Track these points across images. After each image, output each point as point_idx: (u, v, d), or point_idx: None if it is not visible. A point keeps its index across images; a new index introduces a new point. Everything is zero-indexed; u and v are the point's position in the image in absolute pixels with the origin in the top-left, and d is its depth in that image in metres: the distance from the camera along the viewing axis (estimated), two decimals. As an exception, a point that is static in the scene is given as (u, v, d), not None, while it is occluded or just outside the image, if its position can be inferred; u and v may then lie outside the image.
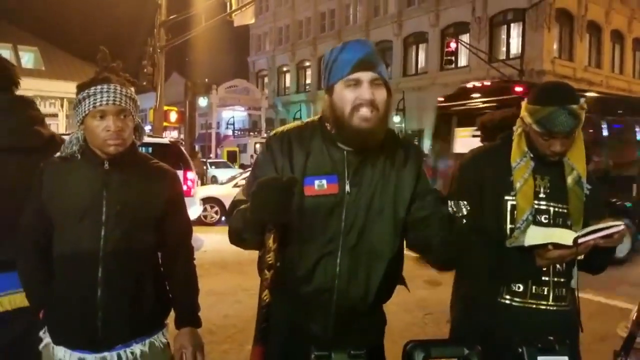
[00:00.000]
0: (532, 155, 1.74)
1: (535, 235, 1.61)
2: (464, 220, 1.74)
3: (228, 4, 15.78)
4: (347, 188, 1.51)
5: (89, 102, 1.65)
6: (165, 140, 9.32)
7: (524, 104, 1.74)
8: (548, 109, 1.63)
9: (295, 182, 1.35)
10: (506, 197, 1.73)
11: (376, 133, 1.48)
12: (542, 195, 1.73)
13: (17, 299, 1.90)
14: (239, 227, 1.45)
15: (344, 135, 1.50)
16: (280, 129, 1.63)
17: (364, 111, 1.45)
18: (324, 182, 1.49)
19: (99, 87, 1.66)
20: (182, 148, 9.85)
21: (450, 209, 1.75)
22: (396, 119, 29.35)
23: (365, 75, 1.47)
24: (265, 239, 1.34)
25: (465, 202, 1.75)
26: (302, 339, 1.51)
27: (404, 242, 1.60)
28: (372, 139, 1.49)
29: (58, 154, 1.75)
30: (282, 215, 1.32)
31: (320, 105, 1.58)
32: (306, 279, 1.51)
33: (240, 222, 1.45)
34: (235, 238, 1.51)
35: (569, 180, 1.73)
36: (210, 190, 12.74)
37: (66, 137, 1.84)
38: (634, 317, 2.06)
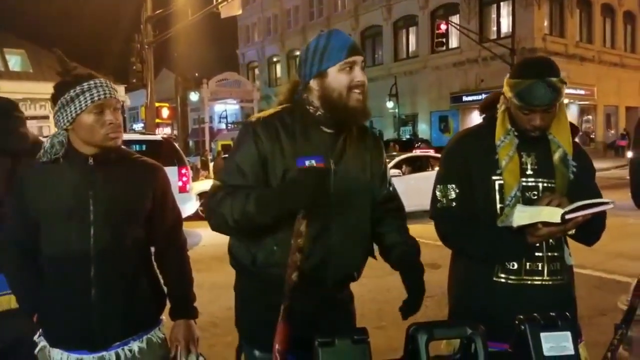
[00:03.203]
0: (516, 133, 1.73)
1: (522, 216, 1.61)
2: (453, 204, 1.76)
3: (214, -5, 15.65)
4: (333, 166, 1.62)
5: (86, 98, 1.62)
6: (158, 137, 9.27)
7: (505, 79, 1.74)
8: (527, 81, 1.63)
9: (330, 171, 1.53)
10: (493, 177, 1.73)
11: (365, 111, 1.63)
12: (529, 172, 1.73)
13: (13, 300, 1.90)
14: (250, 210, 1.48)
15: (339, 116, 1.60)
16: (260, 115, 1.68)
17: (358, 93, 1.59)
18: (313, 162, 1.57)
19: (92, 82, 1.64)
20: (176, 144, 9.80)
21: (438, 193, 1.81)
22: (389, 104, 29.27)
23: (358, 59, 1.60)
24: (297, 224, 1.42)
25: (453, 185, 1.77)
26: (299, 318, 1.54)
27: None
28: (363, 116, 1.64)
29: (39, 157, 1.69)
30: (319, 201, 1.43)
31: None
32: (306, 256, 1.54)
33: (251, 206, 1.48)
34: (238, 221, 1.51)
35: (555, 157, 1.73)
36: (207, 185, 12.72)
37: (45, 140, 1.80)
38: (634, 290, 2.07)
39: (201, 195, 11.32)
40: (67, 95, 1.63)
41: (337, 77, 1.58)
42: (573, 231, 1.65)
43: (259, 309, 1.61)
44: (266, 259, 1.58)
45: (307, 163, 1.57)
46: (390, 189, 1.81)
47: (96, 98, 1.63)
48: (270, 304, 1.49)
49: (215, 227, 1.59)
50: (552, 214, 1.55)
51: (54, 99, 1.67)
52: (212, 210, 1.57)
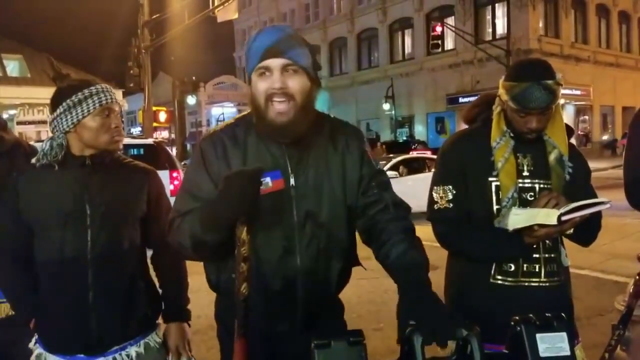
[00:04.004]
0: (511, 134, 1.74)
1: (518, 219, 1.61)
2: (450, 205, 1.75)
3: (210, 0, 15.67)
4: (292, 181, 1.45)
5: (94, 101, 1.65)
6: (150, 141, 9.26)
7: (501, 81, 1.74)
8: (523, 84, 1.63)
9: (262, 171, 1.31)
10: (490, 179, 1.73)
11: (296, 125, 1.40)
12: (525, 173, 1.73)
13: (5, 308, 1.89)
14: (196, 231, 1.36)
15: (264, 129, 1.43)
16: (211, 130, 1.55)
17: (277, 103, 1.38)
18: (268, 179, 1.40)
19: (98, 86, 1.68)
20: (169, 149, 9.81)
21: (435, 194, 1.78)
22: (386, 106, 29.31)
23: (275, 63, 1.38)
24: (238, 232, 1.31)
25: (450, 187, 1.76)
26: (269, 338, 1.48)
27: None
28: (292, 132, 1.41)
29: (35, 161, 1.69)
30: (253, 205, 1.29)
31: None
32: (268, 281, 1.45)
33: (197, 226, 1.36)
34: (192, 245, 1.40)
35: (551, 158, 1.74)
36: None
37: (37, 145, 1.81)
38: (631, 291, 2.08)
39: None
40: (75, 98, 1.65)
41: (256, 84, 1.40)
42: (571, 230, 1.65)
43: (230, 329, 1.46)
44: (227, 280, 1.46)
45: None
46: (375, 190, 1.52)
47: (104, 102, 1.67)
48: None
49: (184, 257, 1.49)
50: (548, 215, 1.55)
51: (57, 102, 1.68)
52: (174, 241, 1.46)
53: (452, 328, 1.21)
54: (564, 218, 1.53)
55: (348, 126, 1.60)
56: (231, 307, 1.40)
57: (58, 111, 1.67)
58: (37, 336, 1.75)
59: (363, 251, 1.62)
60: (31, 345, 1.75)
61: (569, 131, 1.80)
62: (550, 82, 1.63)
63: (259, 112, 1.42)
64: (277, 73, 1.38)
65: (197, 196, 1.44)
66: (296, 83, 1.39)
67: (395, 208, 1.52)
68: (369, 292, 5.05)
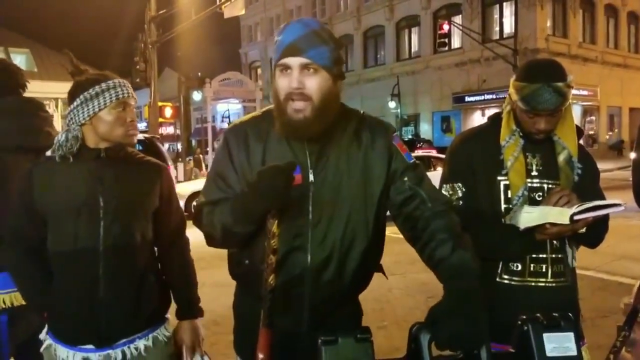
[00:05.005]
0: (521, 134, 1.73)
1: (529, 217, 1.61)
2: (460, 202, 1.74)
3: (217, -5, 15.68)
4: (311, 177, 1.43)
5: (111, 95, 1.67)
6: (141, 137, 9.29)
7: (511, 80, 1.73)
8: (533, 85, 1.62)
9: (295, 165, 1.32)
10: (499, 178, 1.72)
11: (312, 123, 1.38)
12: (534, 173, 1.73)
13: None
14: (227, 223, 1.40)
15: (282, 125, 1.41)
16: (237, 120, 1.57)
17: (295, 102, 1.37)
18: None
19: (115, 81, 1.70)
20: (168, 145, 9.85)
21: (444, 192, 1.76)
22: (391, 104, 29.27)
23: (293, 61, 1.36)
24: (269, 225, 1.33)
25: (459, 184, 1.76)
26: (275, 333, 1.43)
27: (382, 229, 1.55)
28: (308, 130, 1.39)
29: (50, 153, 1.73)
30: (284, 199, 1.30)
31: None
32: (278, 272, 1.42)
33: (228, 217, 1.39)
34: (221, 236, 1.43)
35: (560, 159, 1.73)
36: (197, 186, 12.72)
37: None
38: (637, 292, 2.07)
39: (193, 196, 11.17)
40: (92, 91, 1.67)
41: (278, 80, 1.40)
42: (583, 230, 1.63)
43: (249, 318, 1.47)
44: (247, 268, 1.49)
45: None
46: (407, 186, 1.47)
47: (120, 95, 1.69)
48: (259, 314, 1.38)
49: (210, 245, 1.52)
50: (560, 214, 1.54)
51: (74, 94, 1.70)
52: (202, 229, 1.49)
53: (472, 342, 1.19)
54: (576, 217, 1.52)
55: (377, 122, 1.55)
56: (249, 298, 1.45)
57: (75, 103, 1.69)
58: (47, 327, 1.77)
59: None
60: (42, 336, 1.77)
61: (579, 132, 1.79)
62: (560, 84, 1.61)
63: (278, 108, 1.41)
64: (296, 72, 1.37)
65: (222, 186, 1.47)
66: (315, 83, 1.37)
67: (433, 202, 1.46)
68: (373, 290, 5.03)
